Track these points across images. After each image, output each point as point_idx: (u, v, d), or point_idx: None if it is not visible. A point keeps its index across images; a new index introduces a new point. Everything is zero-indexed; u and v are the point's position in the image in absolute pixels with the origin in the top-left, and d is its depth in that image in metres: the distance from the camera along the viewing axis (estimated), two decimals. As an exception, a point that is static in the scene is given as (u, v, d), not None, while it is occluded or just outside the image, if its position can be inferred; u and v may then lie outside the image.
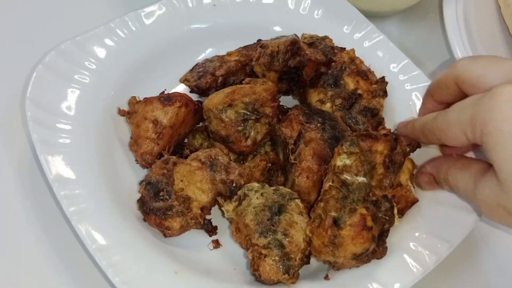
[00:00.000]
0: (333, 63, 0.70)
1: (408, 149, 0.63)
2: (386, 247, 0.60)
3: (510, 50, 0.81)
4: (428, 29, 0.86)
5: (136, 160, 0.66)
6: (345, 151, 0.60)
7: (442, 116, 0.57)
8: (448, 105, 0.60)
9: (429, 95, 0.65)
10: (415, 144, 0.64)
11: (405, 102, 0.71)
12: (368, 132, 0.61)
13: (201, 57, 0.74)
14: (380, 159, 0.60)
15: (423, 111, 0.67)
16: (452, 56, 0.76)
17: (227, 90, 0.65)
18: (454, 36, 0.75)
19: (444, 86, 0.62)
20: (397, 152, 0.61)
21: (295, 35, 0.70)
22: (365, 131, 0.61)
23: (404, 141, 0.62)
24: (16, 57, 0.73)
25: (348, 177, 0.59)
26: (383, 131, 0.62)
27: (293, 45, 0.65)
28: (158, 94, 0.67)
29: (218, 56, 0.72)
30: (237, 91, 0.64)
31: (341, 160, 0.60)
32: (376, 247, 0.59)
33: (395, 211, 0.61)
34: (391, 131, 0.63)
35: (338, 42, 0.74)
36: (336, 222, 0.57)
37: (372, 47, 0.75)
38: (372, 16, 0.80)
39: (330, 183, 0.59)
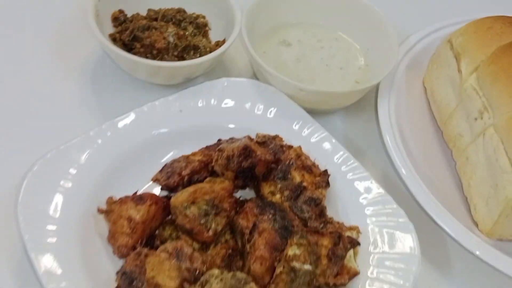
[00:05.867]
0: (282, 159, 0.82)
1: (349, 246, 0.74)
2: None
3: (438, 140, 0.93)
4: (367, 122, 0.98)
5: (113, 252, 0.76)
6: (296, 242, 0.71)
7: None
8: None
9: None
10: (356, 242, 0.76)
11: (347, 191, 0.82)
12: (316, 228, 0.74)
13: (169, 157, 0.85)
14: (325, 252, 0.72)
15: None
16: (384, 145, 0.88)
17: (190, 189, 0.76)
18: (386, 132, 0.88)
19: None
20: (339, 247, 0.73)
21: (248, 137, 0.82)
22: (315, 228, 0.74)
23: (346, 239, 0.74)
24: (8, 164, 0.84)
25: (297, 265, 0.70)
26: (330, 229, 0.74)
27: (245, 150, 0.77)
28: (132, 194, 0.78)
29: (184, 156, 0.83)
30: (198, 190, 0.75)
31: (292, 250, 0.71)
32: None
33: None
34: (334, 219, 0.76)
35: (288, 138, 0.86)
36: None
37: (318, 142, 0.86)
38: (319, 113, 0.92)
39: (281, 269, 0.70)
